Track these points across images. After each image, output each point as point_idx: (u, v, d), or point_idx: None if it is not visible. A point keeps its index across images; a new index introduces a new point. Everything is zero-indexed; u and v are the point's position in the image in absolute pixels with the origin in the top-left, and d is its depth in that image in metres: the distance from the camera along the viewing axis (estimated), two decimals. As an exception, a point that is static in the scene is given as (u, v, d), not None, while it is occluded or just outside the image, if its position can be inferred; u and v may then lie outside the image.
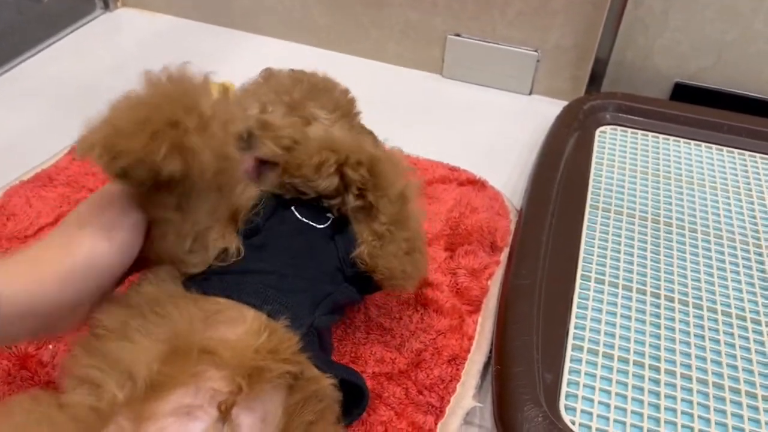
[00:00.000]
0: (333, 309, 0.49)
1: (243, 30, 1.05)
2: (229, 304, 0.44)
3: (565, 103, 0.90)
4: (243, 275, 0.45)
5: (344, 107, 0.59)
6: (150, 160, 0.38)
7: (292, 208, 0.51)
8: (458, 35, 0.93)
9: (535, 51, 0.91)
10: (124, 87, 0.97)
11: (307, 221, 0.51)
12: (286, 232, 0.49)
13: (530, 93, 0.95)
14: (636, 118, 0.84)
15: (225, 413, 0.39)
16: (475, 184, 0.75)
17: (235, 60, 1.00)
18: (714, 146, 0.81)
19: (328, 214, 0.52)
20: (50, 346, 0.54)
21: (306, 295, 0.47)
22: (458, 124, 0.90)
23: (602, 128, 0.83)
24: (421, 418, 0.51)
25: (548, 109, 0.90)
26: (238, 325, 0.43)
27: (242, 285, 0.45)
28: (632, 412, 0.51)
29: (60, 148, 0.78)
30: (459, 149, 0.83)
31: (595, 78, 0.89)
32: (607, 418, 0.51)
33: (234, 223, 0.48)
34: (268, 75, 0.61)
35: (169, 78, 0.44)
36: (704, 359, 0.56)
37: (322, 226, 0.51)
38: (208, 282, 0.45)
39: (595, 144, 0.80)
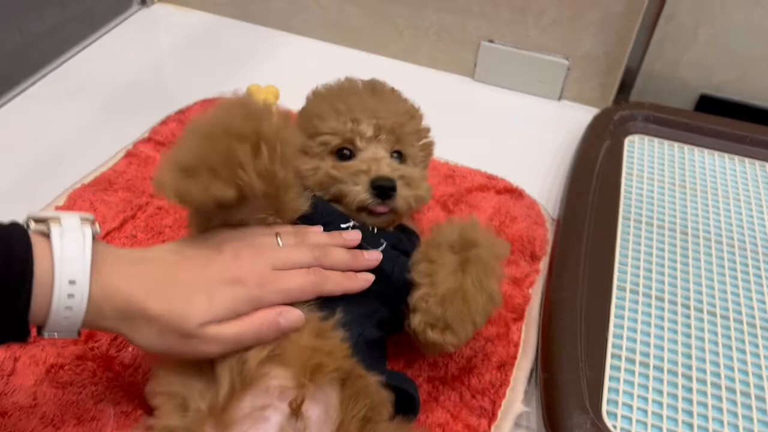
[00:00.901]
0: (380, 323, 0.54)
1: (278, 29, 1.08)
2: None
3: (594, 109, 0.94)
4: None
5: (423, 138, 0.63)
6: (210, 199, 0.44)
7: (350, 228, 0.55)
8: (491, 41, 0.97)
9: (566, 59, 0.95)
10: (165, 85, 1.02)
11: (365, 245, 0.54)
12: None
13: (559, 99, 0.98)
14: (663, 128, 0.88)
15: (297, 408, 0.44)
16: (513, 192, 0.79)
17: (271, 59, 1.03)
18: (737, 157, 0.85)
19: (383, 240, 0.55)
20: (130, 349, 0.59)
21: (358, 307, 0.51)
22: (489, 128, 0.94)
23: (630, 137, 0.87)
24: (475, 420, 0.56)
25: (577, 115, 0.94)
26: (302, 330, 0.48)
27: None
28: (668, 417, 0.56)
29: (110, 148, 0.81)
30: (490, 152, 0.87)
31: (624, 87, 0.93)
32: (645, 423, 0.56)
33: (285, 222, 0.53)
34: (376, 87, 0.62)
35: (230, 105, 0.48)
36: (732, 368, 0.60)
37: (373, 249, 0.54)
38: None
39: (625, 153, 0.84)
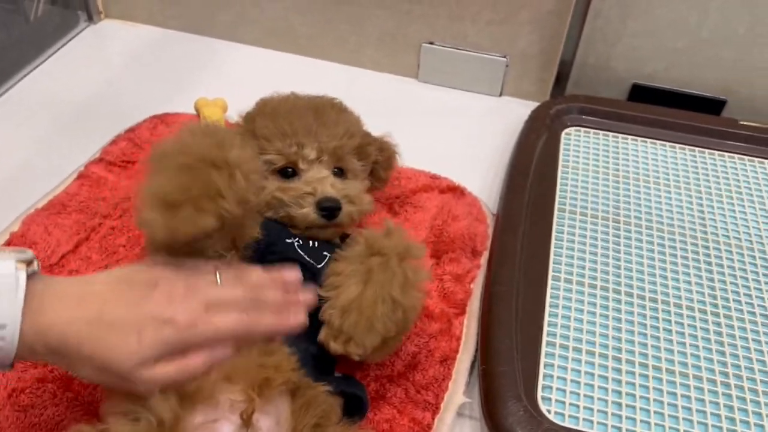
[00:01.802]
0: None
1: (226, 39, 1.10)
2: None
3: (533, 103, 0.98)
4: None
5: (365, 150, 0.66)
6: (198, 232, 0.45)
7: (295, 243, 0.58)
8: (432, 43, 1.00)
9: (504, 57, 0.98)
10: (115, 101, 1.02)
11: (309, 260, 0.57)
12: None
13: (500, 95, 1.02)
14: (597, 119, 0.92)
15: (248, 419, 0.47)
16: (455, 191, 0.82)
17: (219, 70, 1.05)
18: (668, 144, 0.90)
19: (325, 253, 0.58)
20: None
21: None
22: (434, 126, 0.98)
23: (567, 130, 0.91)
24: (420, 414, 0.60)
25: (518, 110, 0.98)
26: (250, 350, 0.50)
27: None
28: (598, 399, 0.60)
29: (62, 170, 0.82)
30: (436, 151, 0.90)
31: (560, 80, 0.97)
32: (578, 406, 0.60)
33: (237, 250, 0.54)
34: (320, 108, 0.64)
35: (194, 132, 0.50)
36: (658, 348, 0.65)
37: (320, 266, 0.57)
38: None
39: (561, 146, 0.88)
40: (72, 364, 0.45)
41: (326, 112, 0.64)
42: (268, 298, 0.51)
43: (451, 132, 0.96)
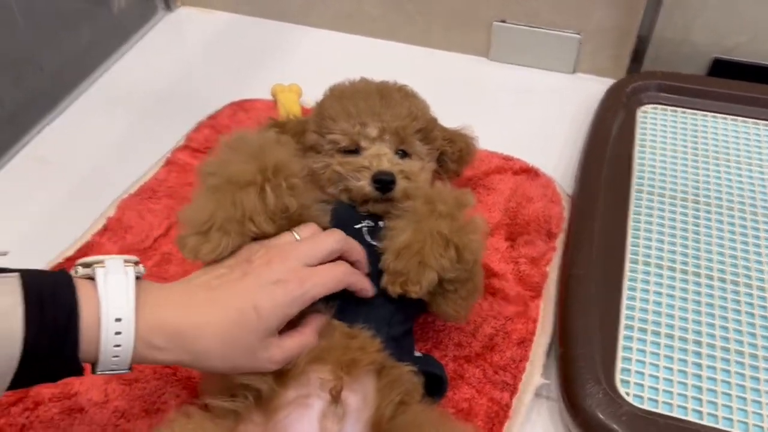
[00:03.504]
0: (403, 320, 0.58)
1: (297, 23, 1.12)
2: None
3: (608, 79, 0.97)
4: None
5: (430, 135, 0.67)
6: (225, 254, 0.49)
7: (363, 229, 0.60)
8: (504, 21, 0.99)
9: (578, 33, 0.96)
10: (195, 89, 1.05)
11: (373, 243, 0.59)
12: None
13: (573, 72, 1.01)
14: (675, 96, 0.90)
15: (336, 396, 0.50)
16: (529, 172, 0.83)
17: (291, 54, 1.07)
18: (750, 120, 0.87)
19: None
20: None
21: (380, 310, 0.56)
22: (506, 105, 0.98)
23: (644, 108, 0.89)
24: (499, 394, 0.62)
25: (591, 87, 0.97)
26: (334, 335, 0.53)
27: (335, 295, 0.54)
28: (678, 382, 0.60)
29: (150, 157, 0.87)
30: (508, 131, 0.90)
31: (637, 56, 0.95)
32: (657, 389, 0.60)
33: None
34: (385, 91, 0.66)
35: (230, 146, 0.53)
36: (740, 332, 0.64)
37: (375, 245, 0.59)
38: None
39: (638, 125, 0.87)
40: (196, 355, 0.45)
41: (391, 95, 0.65)
42: (350, 245, 0.54)
43: (523, 111, 0.96)
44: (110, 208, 0.79)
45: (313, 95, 0.93)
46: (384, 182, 0.59)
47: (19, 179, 0.87)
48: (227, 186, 0.50)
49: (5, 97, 0.88)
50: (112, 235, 0.76)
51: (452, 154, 0.71)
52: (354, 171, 0.60)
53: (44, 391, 0.62)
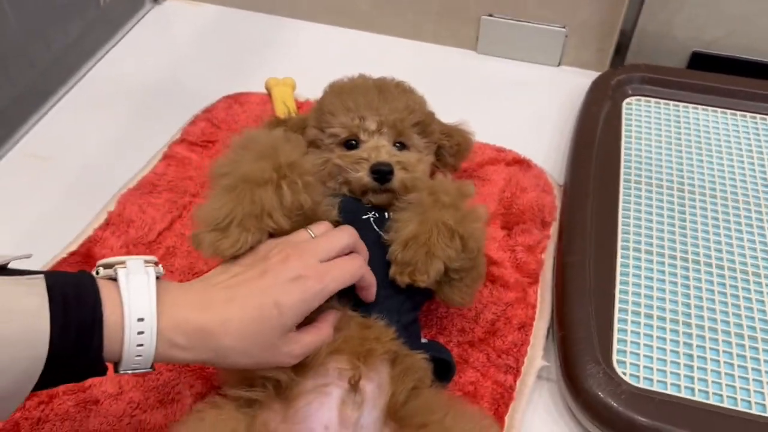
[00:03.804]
0: (412, 308, 0.61)
1: (286, 16, 1.13)
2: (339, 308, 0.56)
3: (592, 72, 1.00)
4: None
5: (428, 129, 0.69)
6: (244, 249, 0.51)
7: (370, 219, 0.62)
8: (491, 15, 1.01)
9: (563, 27, 0.99)
10: (187, 82, 1.05)
11: (380, 232, 0.61)
12: (367, 243, 0.58)
13: (558, 65, 1.04)
14: (658, 88, 0.93)
15: (355, 384, 0.52)
16: (522, 163, 0.85)
17: (284, 46, 1.08)
18: (729, 111, 0.91)
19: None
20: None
21: (391, 300, 0.58)
22: (494, 98, 1.00)
23: (628, 100, 0.93)
24: (503, 377, 0.64)
25: (576, 80, 1.00)
26: (350, 325, 0.55)
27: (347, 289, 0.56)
28: (671, 361, 0.64)
29: (146, 151, 0.87)
30: (497, 123, 0.92)
31: (620, 50, 0.98)
32: (651, 368, 0.63)
33: None
34: (383, 86, 0.68)
35: (244, 143, 0.55)
36: (726, 313, 0.68)
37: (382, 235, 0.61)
38: None
39: (623, 116, 0.90)
40: (217, 352, 0.46)
41: (389, 90, 0.67)
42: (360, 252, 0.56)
43: (511, 103, 0.99)
44: (110, 203, 0.80)
45: (306, 88, 0.94)
46: (382, 173, 0.61)
47: (14, 176, 0.86)
48: (243, 185, 0.51)
49: (-4, 93, 0.88)
50: (115, 230, 0.76)
51: (450, 148, 0.73)
52: (353, 163, 0.62)
53: (57, 384, 0.63)
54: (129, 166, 0.85)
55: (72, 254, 0.74)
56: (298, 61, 1.04)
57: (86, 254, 0.74)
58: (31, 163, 0.88)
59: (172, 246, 0.75)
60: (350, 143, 0.65)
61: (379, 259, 0.58)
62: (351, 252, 0.55)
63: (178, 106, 0.95)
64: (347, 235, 0.54)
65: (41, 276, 0.42)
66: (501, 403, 0.63)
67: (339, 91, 0.68)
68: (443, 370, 0.61)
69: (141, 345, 0.44)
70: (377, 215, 0.62)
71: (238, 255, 0.52)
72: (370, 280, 0.55)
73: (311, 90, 0.95)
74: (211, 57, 1.07)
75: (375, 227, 0.61)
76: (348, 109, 0.65)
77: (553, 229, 0.78)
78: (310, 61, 1.04)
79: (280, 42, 1.09)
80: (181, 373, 0.64)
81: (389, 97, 0.66)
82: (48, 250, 0.74)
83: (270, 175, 0.52)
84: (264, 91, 0.96)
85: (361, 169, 0.62)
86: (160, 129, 0.91)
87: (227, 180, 0.52)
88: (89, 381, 0.63)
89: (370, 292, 0.56)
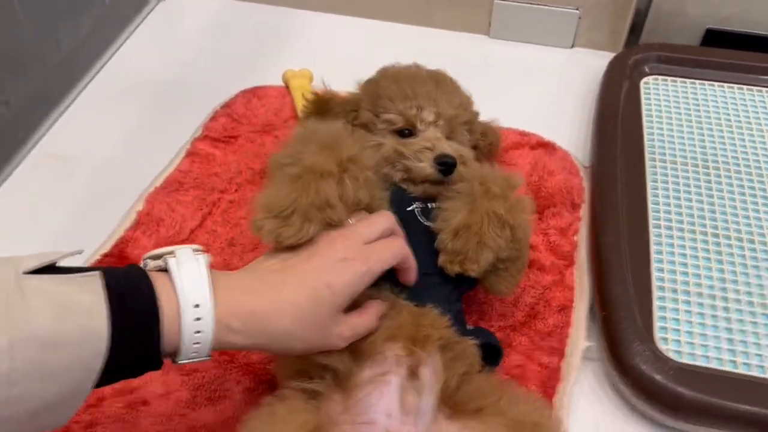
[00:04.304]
0: (458, 297, 0.62)
1: (294, 7, 1.12)
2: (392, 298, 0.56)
3: (605, 53, 1.00)
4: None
5: (473, 127, 0.70)
6: (305, 238, 0.50)
7: (415, 210, 0.62)
8: (504, -1, 1.02)
9: (577, 9, 1.00)
10: (200, 77, 1.04)
11: (426, 224, 0.61)
12: (414, 234, 0.58)
13: (572, 46, 1.04)
14: (675, 66, 0.94)
15: (415, 371, 0.53)
16: (546, 147, 0.86)
17: (295, 38, 1.08)
18: (746, 87, 0.92)
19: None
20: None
21: (440, 288, 0.59)
22: (509, 81, 1.00)
23: (646, 79, 0.93)
24: (547, 359, 0.65)
25: (590, 61, 1.01)
26: (402, 314, 0.55)
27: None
28: (711, 336, 0.65)
29: (168, 147, 0.86)
30: (515, 107, 0.92)
31: (634, 29, 0.98)
32: (693, 344, 0.64)
33: None
34: (440, 79, 0.68)
35: (306, 137, 0.55)
36: (761, 285, 0.69)
37: (428, 225, 0.61)
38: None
39: (642, 96, 0.91)
40: (272, 336, 0.47)
41: (446, 83, 0.67)
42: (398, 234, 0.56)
43: (526, 87, 0.99)
44: (138, 202, 0.79)
45: (321, 79, 0.94)
46: (448, 165, 0.61)
47: (37, 177, 0.86)
48: (308, 175, 0.51)
49: (11, 95, 0.86)
50: (146, 229, 0.76)
51: (484, 147, 0.74)
52: (416, 152, 0.62)
53: (104, 387, 0.62)
54: (151, 164, 0.84)
55: (105, 256, 0.73)
56: (311, 52, 1.04)
57: (119, 255, 0.73)
58: (53, 163, 0.87)
59: (204, 244, 0.75)
60: (403, 132, 0.65)
61: (427, 248, 0.58)
62: (391, 235, 0.55)
63: (193, 101, 0.94)
64: (385, 218, 0.55)
65: (97, 273, 0.41)
66: (548, 385, 0.63)
67: (396, 78, 0.68)
68: (490, 355, 0.61)
69: (198, 332, 0.44)
70: (421, 206, 0.62)
71: (297, 245, 0.51)
72: (411, 262, 0.56)
73: (328, 80, 0.95)
74: (222, 51, 1.06)
75: (420, 218, 0.61)
76: (406, 97, 0.65)
77: (583, 211, 0.79)
78: (324, 52, 1.04)
79: (292, 33, 1.08)
80: (227, 370, 0.64)
81: (446, 90, 0.67)
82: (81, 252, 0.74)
83: (333, 168, 0.52)
84: (281, 83, 0.95)
85: (425, 159, 0.62)
86: (178, 125, 0.90)
87: (293, 169, 0.52)
88: (136, 382, 0.63)
89: (411, 275, 0.56)
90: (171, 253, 0.46)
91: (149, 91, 0.98)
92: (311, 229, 0.50)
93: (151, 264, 0.46)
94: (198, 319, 0.43)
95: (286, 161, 0.53)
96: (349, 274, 0.49)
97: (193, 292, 0.43)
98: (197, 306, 0.43)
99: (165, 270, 0.45)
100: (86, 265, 0.72)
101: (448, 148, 0.63)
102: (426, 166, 0.62)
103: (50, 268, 0.41)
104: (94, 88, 0.98)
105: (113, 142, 0.90)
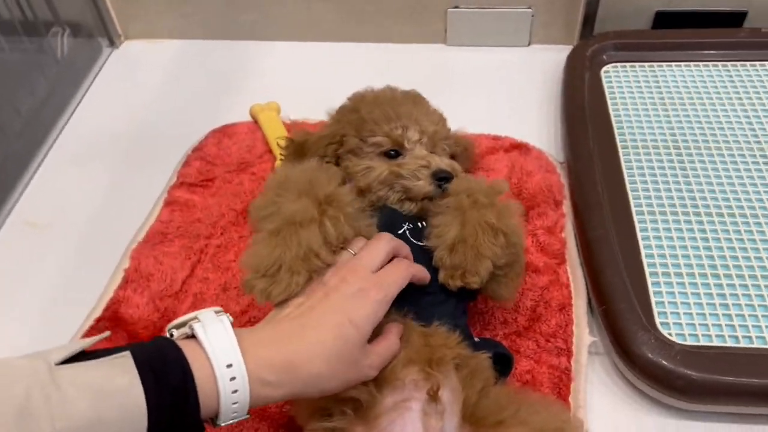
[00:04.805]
0: (463, 311, 0.62)
1: (252, 39, 1.11)
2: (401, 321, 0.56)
3: (562, 47, 1.02)
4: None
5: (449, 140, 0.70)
6: (296, 290, 0.51)
7: (406, 233, 0.63)
8: (457, 7, 1.03)
9: (529, 8, 1.01)
10: (166, 122, 1.02)
11: (418, 244, 0.61)
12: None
13: (528, 44, 1.06)
14: (631, 52, 0.96)
15: (435, 394, 0.53)
16: (520, 148, 0.87)
17: (255, 70, 1.07)
18: (701, 63, 0.94)
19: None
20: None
21: (445, 305, 0.59)
22: (472, 86, 1.02)
23: (605, 68, 0.95)
24: (556, 360, 0.66)
25: (548, 56, 1.03)
26: (411, 336, 0.56)
27: (403, 301, 0.57)
28: (710, 314, 0.66)
29: (145, 200, 0.85)
30: (480, 109, 0.94)
31: (587, 21, 1.00)
32: (693, 324, 0.66)
33: None
34: (416, 98, 0.70)
35: (281, 182, 0.56)
36: (748, 258, 0.71)
37: (422, 245, 0.62)
38: None
39: (604, 85, 0.93)
40: (307, 381, 0.47)
41: (422, 102, 0.69)
42: (401, 253, 0.57)
43: (488, 89, 1.00)
44: (124, 259, 0.78)
45: (290, 110, 0.93)
46: (446, 179, 0.62)
47: (15, 247, 0.84)
48: (287, 227, 0.52)
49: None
50: (136, 287, 0.75)
51: (461, 155, 0.75)
52: (413, 171, 0.63)
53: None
54: (129, 218, 0.83)
55: (98, 320, 0.72)
56: (275, 83, 1.04)
57: (114, 318, 0.72)
58: (29, 231, 0.85)
59: (198, 292, 0.74)
60: (390, 153, 0.65)
61: (425, 267, 0.59)
62: (394, 256, 0.56)
63: (163, 147, 0.93)
64: (384, 241, 0.55)
65: (126, 353, 0.42)
66: (561, 386, 0.64)
67: (376, 101, 0.68)
68: (501, 364, 0.62)
69: (236, 391, 0.44)
70: (411, 226, 0.63)
71: (290, 298, 0.52)
72: (423, 274, 0.57)
73: (296, 110, 0.95)
74: (184, 93, 1.05)
75: (412, 239, 0.62)
76: (390, 119, 0.66)
77: (566, 207, 0.80)
78: (288, 80, 1.04)
79: (252, 66, 1.08)
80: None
81: (424, 109, 0.68)
82: (71, 319, 0.72)
83: (312, 214, 0.52)
84: (250, 119, 0.95)
85: (422, 176, 0.63)
86: (151, 174, 0.89)
87: (271, 223, 0.53)
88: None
89: (424, 282, 0.57)
90: (195, 318, 0.46)
91: (116, 143, 0.96)
92: (300, 281, 0.51)
93: (177, 333, 0.46)
94: (233, 378, 0.44)
95: (263, 213, 0.53)
96: (368, 306, 0.50)
97: (223, 354, 0.44)
98: (230, 366, 0.44)
99: (191, 336, 0.45)
100: (82, 332, 0.71)
101: (442, 162, 0.64)
102: (425, 184, 0.63)
103: (78, 355, 0.41)
104: (60, 149, 0.97)
105: (87, 200, 0.88)
